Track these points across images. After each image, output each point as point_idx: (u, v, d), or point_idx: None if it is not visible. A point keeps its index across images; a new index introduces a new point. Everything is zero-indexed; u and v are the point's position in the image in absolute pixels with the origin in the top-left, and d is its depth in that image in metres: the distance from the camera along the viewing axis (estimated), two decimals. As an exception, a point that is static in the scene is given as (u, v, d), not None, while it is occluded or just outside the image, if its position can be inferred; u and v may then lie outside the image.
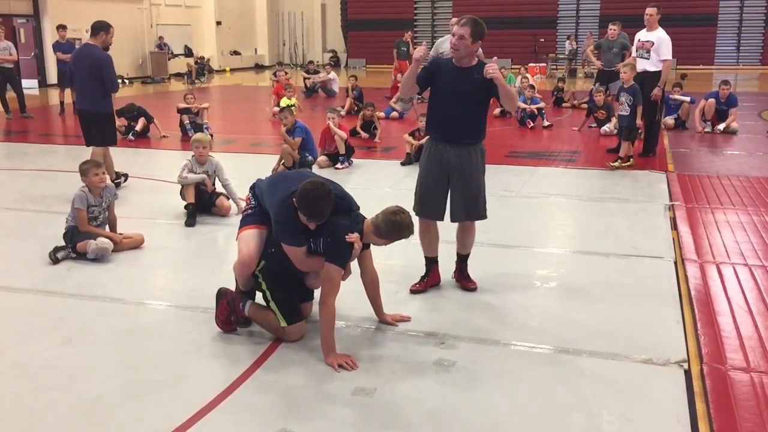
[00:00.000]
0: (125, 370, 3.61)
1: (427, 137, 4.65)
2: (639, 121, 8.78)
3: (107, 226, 5.68)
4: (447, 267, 4.80)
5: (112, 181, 7.84)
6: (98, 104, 7.33)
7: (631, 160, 8.74)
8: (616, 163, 8.64)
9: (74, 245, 5.35)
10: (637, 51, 9.39)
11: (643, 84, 9.25)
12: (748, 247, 5.55)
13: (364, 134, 11.11)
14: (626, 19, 13.83)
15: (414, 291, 4.61)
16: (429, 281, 4.70)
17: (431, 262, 4.72)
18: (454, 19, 9.99)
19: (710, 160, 9.50)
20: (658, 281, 4.87)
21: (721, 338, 3.93)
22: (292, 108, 10.15)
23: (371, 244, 3.93)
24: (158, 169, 8.98)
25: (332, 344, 3.67)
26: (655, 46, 9.07)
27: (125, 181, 7.88)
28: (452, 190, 4.49)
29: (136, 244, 5.64)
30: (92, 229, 5.49)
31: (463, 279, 4.75)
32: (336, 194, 3.73)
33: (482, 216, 4.62)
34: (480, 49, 4.10)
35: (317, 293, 4.10)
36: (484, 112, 4.48)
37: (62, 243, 5.42)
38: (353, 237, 3.70)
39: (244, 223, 4.08)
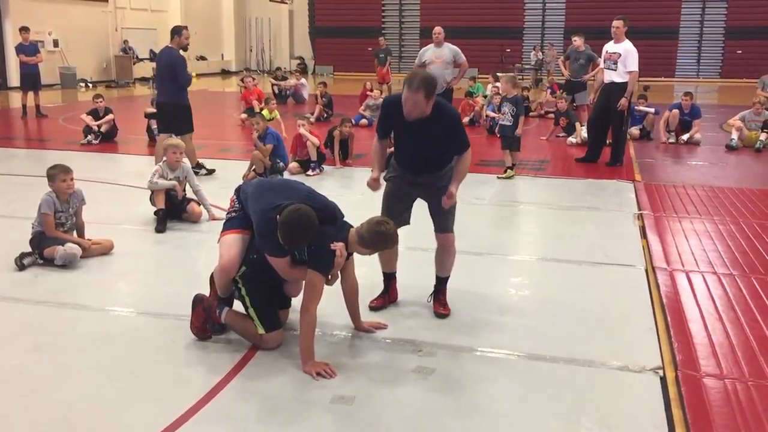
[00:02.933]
0: (98, 379, 3.53)
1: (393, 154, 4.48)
2: (519, 131, 8.75)
3: (75, 232, 5.56)
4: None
5: (193, 168, 7.85)
6: (174, 97, 8.36)
7: (510, 171, 8.72)
8: (505, 175, 8.64)
9: (41, 251, 5.22)
10: (604, 62, 9.55)
11: (610, 95, 9.43)
12: (715, 255, 5.66)
13: (328, 152, 9.42)
14: (590, 31, 14.03)
15: (373, 307, 4.46)
16: (388, 297, 4.57)
17: (389, 278, 4.60)
18: (438, 28, 9.91)
19: (675, 170, 9.68)
20: (630, 289, 4.94)
21: (694, 345, 3.99)
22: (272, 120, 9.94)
23: (354, 253, 3.91)
24: (126, 174, 8.83)
25: (311, 352, 3.64)
26: (621, 58, 9.23)
27: (207, 173, 8.51)
28: (429, 205, 4.38)
29: (106, 250, 5.53)
30: (60, 234, 5.36)
31: (436, 303, 4.49)
32: (318, 206, 3.70)
33: (451, 228, 4.45)
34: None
35: (294, 301, 4.08)
36: (447, 145, 4.19)
37: (28, 249, 5.29)
38: (337, 246, 3.69)
39: (227, 227, 4.03)
